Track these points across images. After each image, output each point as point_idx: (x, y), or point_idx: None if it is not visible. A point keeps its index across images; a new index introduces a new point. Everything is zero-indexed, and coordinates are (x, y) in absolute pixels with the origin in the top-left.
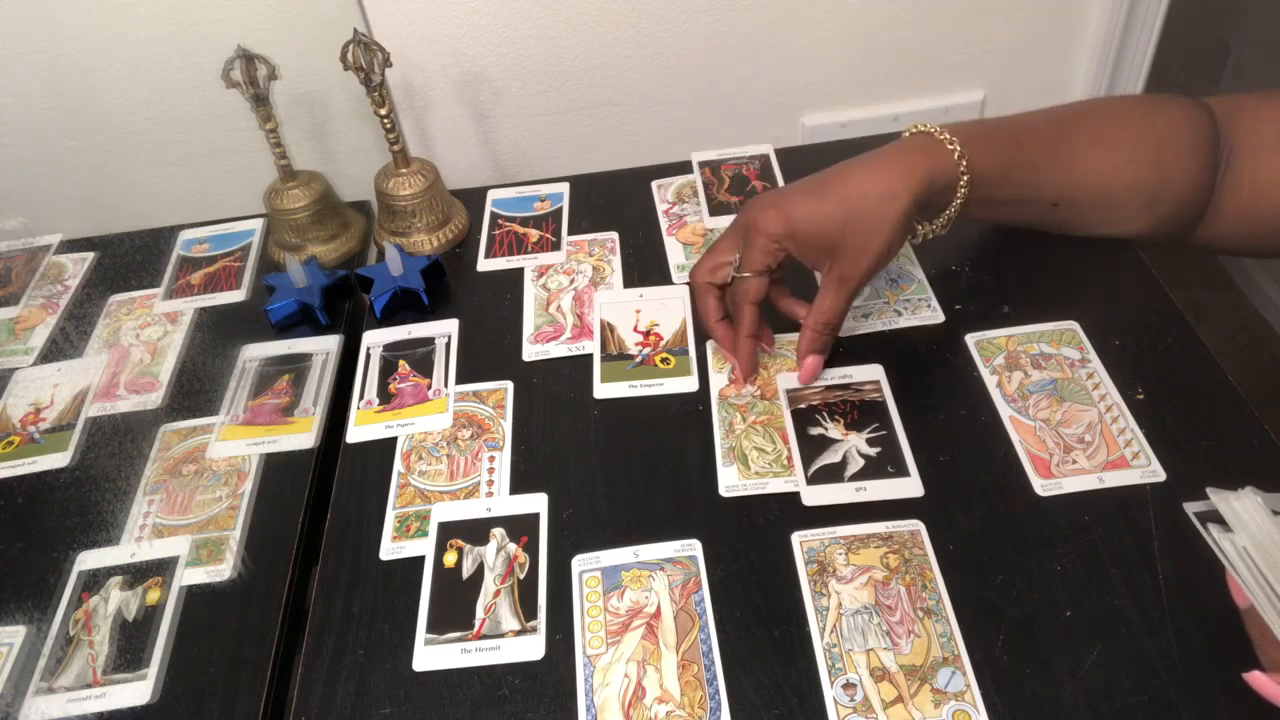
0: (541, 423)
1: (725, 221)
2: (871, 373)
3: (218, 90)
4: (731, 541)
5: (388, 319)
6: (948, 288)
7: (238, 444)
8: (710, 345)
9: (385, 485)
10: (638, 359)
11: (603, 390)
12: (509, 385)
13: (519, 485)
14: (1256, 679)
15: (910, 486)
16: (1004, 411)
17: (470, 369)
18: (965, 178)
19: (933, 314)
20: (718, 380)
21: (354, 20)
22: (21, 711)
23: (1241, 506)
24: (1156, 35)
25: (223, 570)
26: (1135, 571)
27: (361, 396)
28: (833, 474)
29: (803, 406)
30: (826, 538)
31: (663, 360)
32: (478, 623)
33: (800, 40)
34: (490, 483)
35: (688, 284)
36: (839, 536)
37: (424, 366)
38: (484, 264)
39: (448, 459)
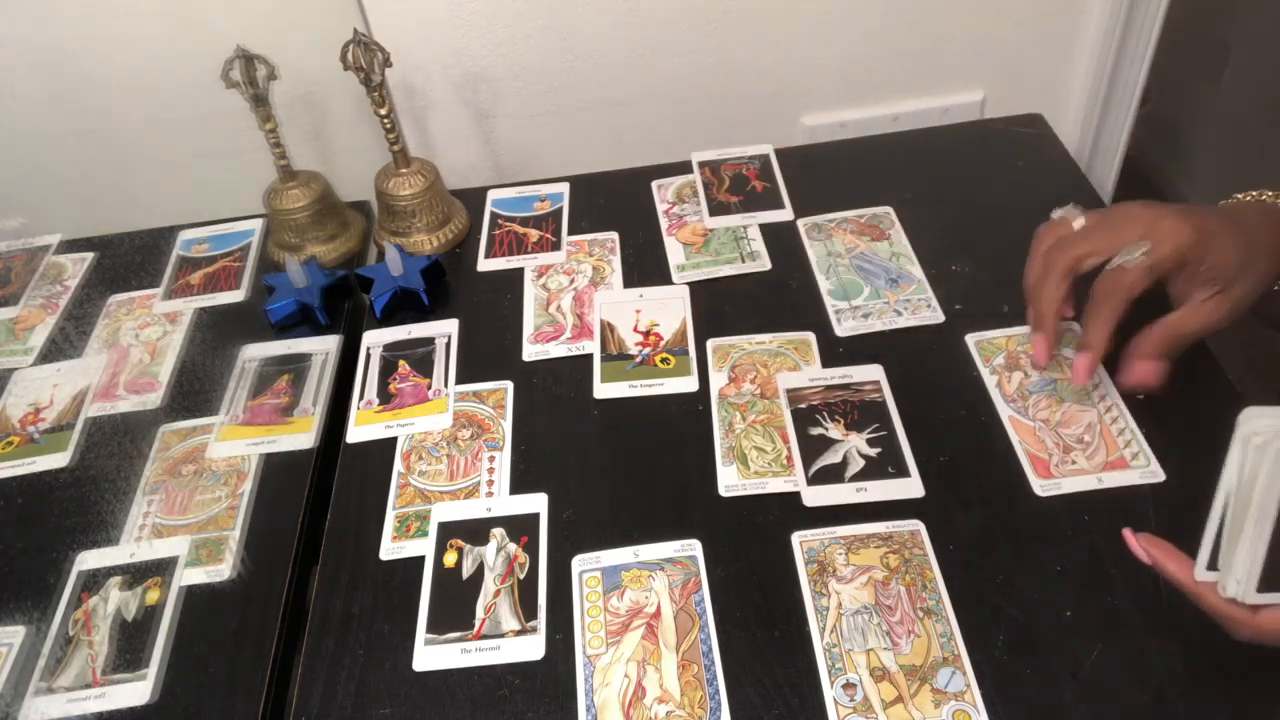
0: (541, 423)
1: (725, 221)
2: (871, 373)
3: (218, 90)
4: (731, 541)
5: (388, 319)
6: (948, 288)
7: (237, 444)
8: (711, 344)
9: (385, 485)
10: (638, 359)
11: (603, 390)
12: (509, 385)
13: (519, 485)
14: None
15: (910, 487)
16: (1004, 411)
17: (470, 369)
18: None
19: (933, 314)
20: (717, 380)
21: (354, 20)
22: (21, 711)
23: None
24: (1156, 35)
25: (222, 570)
26: (1135, 571)
27: (361, 396)
28: (833, 474)
29: (803, 406)
30: (826, 538)
31: (663, 360)
32: (478, 623)
33: (800, 40)
34: (490, 483)
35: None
36: (839, 536)
37: (424, 366)
38: (484, 264)
39: (448, 459)
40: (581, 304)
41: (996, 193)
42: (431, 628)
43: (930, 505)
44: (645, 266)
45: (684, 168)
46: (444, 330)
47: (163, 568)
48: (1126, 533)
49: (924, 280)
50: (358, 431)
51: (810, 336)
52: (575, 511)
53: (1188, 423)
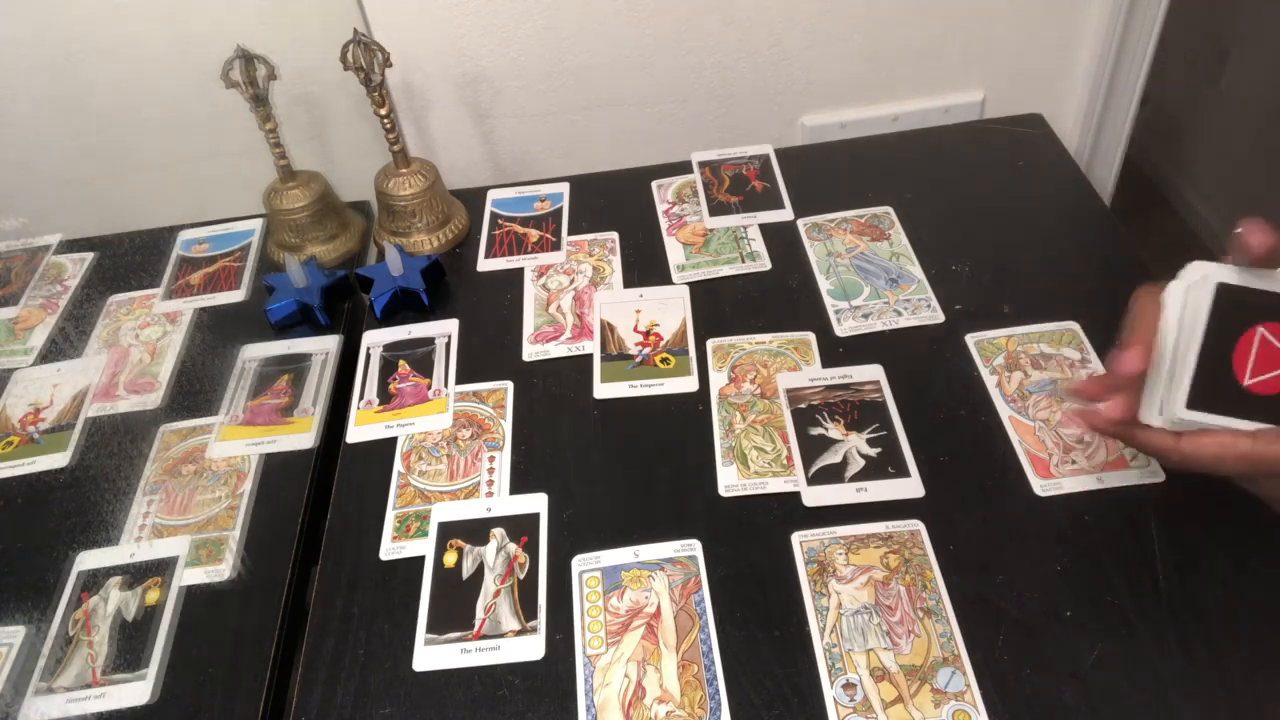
0: (541, 423)
1: (725, 221)
2: (871, 373)
3: (218, 90)
4: (731, 541)
5: (388, 319)
6: (948, 288)
7: (237, 444)
8: (711, 344)
9: (385, 485)
10: (638, 359)
11: (603, 390)
12: (509, 385)
13: (519, 485)
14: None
15: (910, 487)
16: (1004, 412)
17: (470, 369)
18: None
19: (933, 314)
20: (717, 380)
21: (354, 20)
22: (21, 711)
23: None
24: (1156, 36)
25: (222, 570)
26: (1135, 571)
27: (361, 396)
28: (833, 474)
29: (803, 406)
30: (826, 538)
31: (663, 360)
32: (478, 623)
33: (800, 40)
34: (490, 483)
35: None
36: (839, 536)
37: (424, 366)
38: (484, 264)
39: (448, 459)
40: (581, 304)
41: (996, 193)
42: (431, 628)
43: (930, 505)
44: (645, 266)
45: (684, 168)
46: (444, 330)
47: (163, 568)
48: (1066, 414)
49: (924, 280)
50: (358, 431)
51: (810, 336)
52: (575, 511)
53: None
